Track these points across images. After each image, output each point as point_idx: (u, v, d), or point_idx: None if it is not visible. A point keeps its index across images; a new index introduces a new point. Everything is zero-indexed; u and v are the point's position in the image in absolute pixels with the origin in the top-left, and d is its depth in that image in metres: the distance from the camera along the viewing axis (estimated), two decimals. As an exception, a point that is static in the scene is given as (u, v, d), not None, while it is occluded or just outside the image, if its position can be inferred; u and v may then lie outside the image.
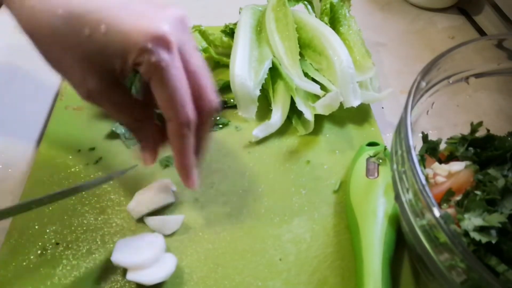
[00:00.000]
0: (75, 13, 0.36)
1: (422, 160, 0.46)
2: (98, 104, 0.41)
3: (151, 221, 0.47)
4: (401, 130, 0.38)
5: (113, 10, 0.37)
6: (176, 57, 0.38)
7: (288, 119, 0.58)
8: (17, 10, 0.38)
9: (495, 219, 0.37)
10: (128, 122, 0.43)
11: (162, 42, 0.36)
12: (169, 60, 0.37)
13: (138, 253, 0.42)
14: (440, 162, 0.47)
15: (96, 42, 0.36)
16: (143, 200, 0.48)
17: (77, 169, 0.52)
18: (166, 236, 0.46)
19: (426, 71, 0.42)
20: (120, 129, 0.55)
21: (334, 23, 0.64)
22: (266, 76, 0.57)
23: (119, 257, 0.42)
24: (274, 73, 0.59)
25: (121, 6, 0.37)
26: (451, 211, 0.40)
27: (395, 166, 0.39)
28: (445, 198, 0.41)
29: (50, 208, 0.48)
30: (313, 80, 0.57)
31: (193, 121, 0.40)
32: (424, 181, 0.34)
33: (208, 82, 0.41)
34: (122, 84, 0.41)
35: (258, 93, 0.57)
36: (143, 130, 0.43)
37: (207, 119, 0.42)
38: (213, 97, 0.42)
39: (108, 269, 0.44)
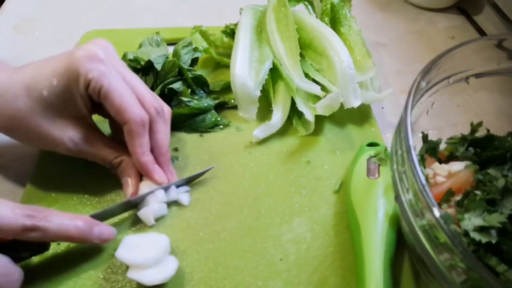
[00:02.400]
0: (30, 83, 0.45)
1: (422, 160, 0.46)
2: (84, 151, 0.48)
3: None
4: (401, 130, 0.38)
5: (55, 61, 0.46)
6: (113, 69, 0.46)
7: (289, 120, 0.58)
8: None
9: (495, 219, 0.37)
10: (111, 158, 0.49)
11: (96, 59, 0.45)
12: (108, 71, 0.45)
13: (142, 252, 0.43)
14: (440, 162, 0.47)
15: (54, 93, 0.45)
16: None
17: (78, 169, 0.52)
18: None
19: (426, 71, 0.42)
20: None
21: (334, 23, 0.64)
22: (266, 76, 0.57)
23: (123, 253, 0.43)
24: (275, 73, 0.59)
25: (55, 57, 0.47)
26: (451, 211, 0.40)
27: (395, 166, 0.39)
28: (445, 198, 0.41)
29: (51, 208, 0.48)
30: (314, 80, 0.57)
31: (145, 118, 0.47)
32: (424, 181, 0.34)
33: (145, 90, 0.49)
34: (97, 128, 0.50)
35: (258, 93, 0.57)
36: (125, 165, 0.49)
37: (152, 120, 0.48)
38: (152, 100, 0.49)
39: (109, 269, 0.44)
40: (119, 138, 0.50)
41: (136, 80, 0.49)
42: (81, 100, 0.46)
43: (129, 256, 0.42)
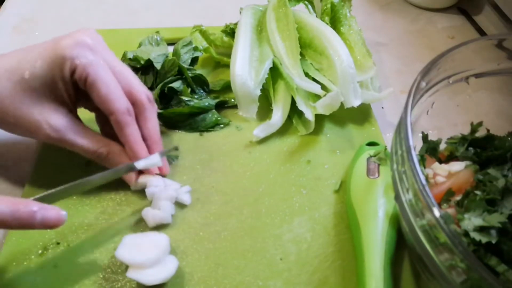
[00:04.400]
0: (12, 68, 0.45)
1: (422, 160, 0.46)
2: (65, 139, 0.47)
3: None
4: (401, 130, 0.38)
5: (39, 48, 0.46)
6: (101, 58, 0.46)
7: (289, 119, 0.58)
8: None
9: (495, 219, 0.37)
10: (96, 147, 0.48)
11: (85, 46, 0.45)
12: (95, 60, 0.45)
13: (142, 252, 0.42)
14: (440, 162, 0.47)
15: (35, 75, 0.45)
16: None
17: (78, 169, 0.52)
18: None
19: (426, 71, 0.42)
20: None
21: (334, 23, 0.64)
22: (266, 76, 0.57)
23: (123, 253, 0.43)
24: (275, 73, 0.59)
25: (42, 44, 0.46)
26: (451, 211, 0.40)
27: (395, 166, 0.39)
28: (445, 198, 0.41)
29: None
30: (314, 80, 0.57)
31: (130, 108, 0.47)
32: (424, 181, 0.34)
33: (134, 78, 0.49)
34: (79, 119, 0.49)
35: (258, 92, 0.57)
36: (114, 155, 0.49)
37: (144, 107, 0.49)
38: (142, 88, 0.49)
39: (109, 268, 0.44)
40: (106, 132, 0.50)
41: (124, 69, 0.49)
42: (63, 85, 0.46)
43: (129, 256, 0.42)
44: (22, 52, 0.46)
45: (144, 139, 0.49)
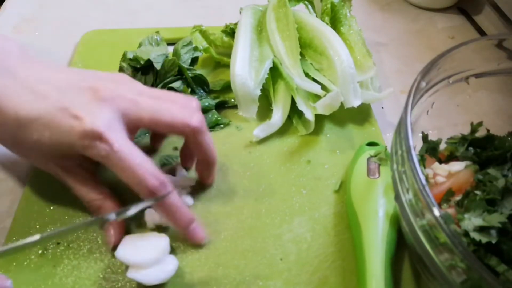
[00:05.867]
0: (22, 123, 0.41)
1: (422, 160, 0.46)
2: (65, 181, 0.45)
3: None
4: (401, 130, 0.38)
5: (52, 115, 0.41)
6: (118, 141, 0.40)
7: (289, 119, 0.58)
8: None
9: (495, 219, 0.37)
10: (91, 198, 0.45)
11: (95, 137, 0.40)
12: (107, 149, 0.40)
13: (141, 252, 0.42)
14: (440, 162, 0.47)
15: (44, 144, 0.41)
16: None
17: (78, 169, 0.52)
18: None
19: (426, 71, 0.42)
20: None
21: (334, 23, 0.64)
22: (266, 76, 0.57)
23: (123, 253, 0.42)
24: (275, 73, 0.59)
25: (58, 109, 0.41)
26: (451, 211, 0.40)
27: (395, 166, 0.39)
28: (445, 198, 0.41)
29: (51, 208, 0.48)
30: (314, 80, 0.57)
31: (161, 184, 0.42)
32: (424, 181, 0.34)
33: (172, 113, 0.44)
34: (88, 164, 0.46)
35: (258, 92, 0.57)
36: (105, 208, 0.45)
37: (195, 137, 0.45)
38: (187, 119, 0.44)
39: (109, 268, 0.44)
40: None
41: (158, 108, 0.44)
42: (76, 155, 0.43)
43: (129, 256, 0.42)
44: (34, 95, 0.41)
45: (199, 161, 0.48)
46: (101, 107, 0.41)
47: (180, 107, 0.45)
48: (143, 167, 0.41)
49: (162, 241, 0.44)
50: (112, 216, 0.42)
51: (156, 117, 0.44)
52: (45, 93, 0.42)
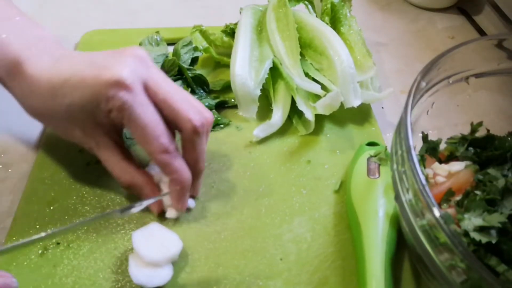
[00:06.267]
0: (56, 87, 0.43)
1: (422, 160, 0.46)
2: (106, 159, 0.47)
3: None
4: (401, 130, 0.38)
5: (82, 72, 0.42)
6: (139, 95, 0.42)
7: (289, 119, 0.58)
8: (16, 96, 0.46)
9: (495, 219, 0.37)
10: (122, 178, 0.47)
11: (120, 86, 0.41)
12: (131, 100, 0.42)
13: (153, 246, 0.43)
14: (440, 162, 0.47)
15: (76, 106, 0.43)
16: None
17: (78, 169, 0.52)
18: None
19: (426, 71, 0.42)
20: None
21: (334, 23, 0.64)
22: (266, 76, 0.57)
23: (137, 237, 0.43)
24: (275, 73, 0.59)
25: (87, 65, 0.43)
26: (451, 211, 0.40)
27: (395, 166, 0.39)
28: (445, 198, 0.42)
29: (51, 208, 0.48)
30: (314, 80, 0.57)
31: (171, 147, 0.44)
32: (424, 181, 0.34)
33: (182, 104, 0.44)
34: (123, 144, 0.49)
35: (258, 92, 0.57)
36: (143, 188, 0.47)
37: (187, 138, 0.45)
38: (190, 114, 0.44)
39: (109, 268, 0.44)
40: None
41: (172, 95, 0.44)
42: (103, 117, 0.44)
43: (140, 243, 0.43)
44: (67, 68, 0.44)
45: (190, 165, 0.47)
46: (127, 62, 0.43)
47: (193, 107, 0.46)
48: (159, 124, 0.43)
49: (175, 248, 0.44)
50: (116, 213, 0.45)
51: (169, 98, 0.44)
52: (77, 60, 0.44)
